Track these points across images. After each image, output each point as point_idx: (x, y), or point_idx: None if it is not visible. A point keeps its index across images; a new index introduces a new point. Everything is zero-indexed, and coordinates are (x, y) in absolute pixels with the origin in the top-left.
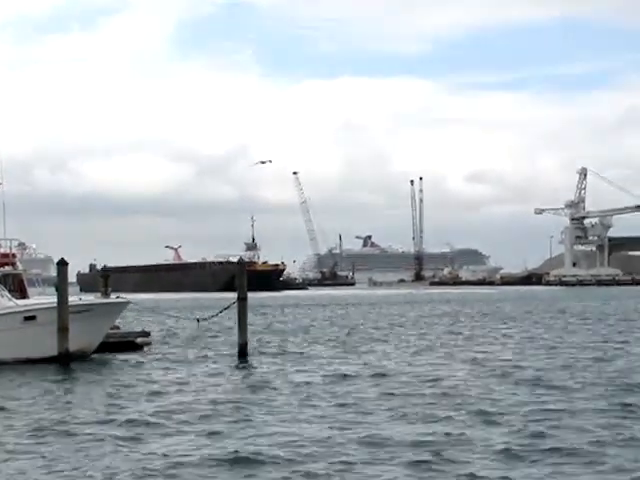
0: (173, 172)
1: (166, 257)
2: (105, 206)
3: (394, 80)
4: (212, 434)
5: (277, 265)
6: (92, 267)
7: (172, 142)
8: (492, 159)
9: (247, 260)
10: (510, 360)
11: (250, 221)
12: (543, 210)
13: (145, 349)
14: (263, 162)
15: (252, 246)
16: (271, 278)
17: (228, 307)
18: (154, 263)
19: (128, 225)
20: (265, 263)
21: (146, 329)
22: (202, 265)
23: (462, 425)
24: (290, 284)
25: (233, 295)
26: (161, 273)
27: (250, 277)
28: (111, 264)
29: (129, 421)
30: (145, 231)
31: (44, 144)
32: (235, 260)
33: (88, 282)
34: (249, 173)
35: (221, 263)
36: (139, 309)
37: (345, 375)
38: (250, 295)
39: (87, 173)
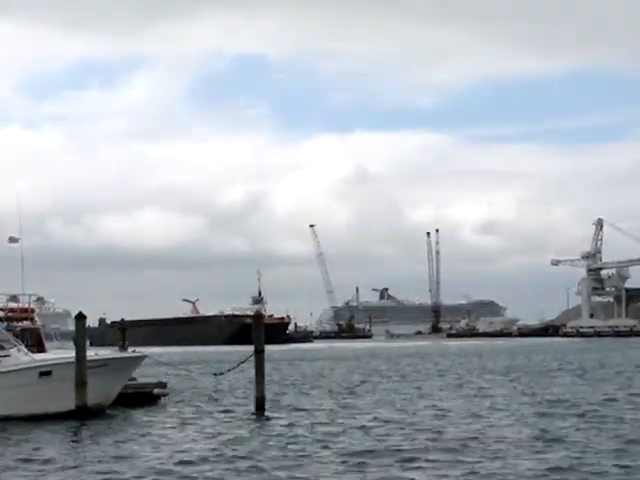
0: (187, 226)
1: (184, 310)
2: (116, 259)
3: (408, 133)
4: None
5: (282, 318)
6: (102, 321)
7: (186, 196)
8: (506, 210)
9: (255, 313)
10: None
11: (257, 274)
12: (559, 261)
13: (162, 400)
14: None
15: (258, 300)
16: (276, 331)
17: (245, 361)
18: (162, 317)
19: (139, 278)
20: (271, 316)
21: (162, 380)
22: (208, 319)
23: None
24: (294, 337)
25: (240, 348)
26: (169, 327)
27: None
28: (118, 318)
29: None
30: (158, 284)
31: (59, 197)
32: (240, 314)
33: (98, 336)
34: (263, 226)
35: (227, 317)
36: (153, 362)
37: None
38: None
39: (100, 226)
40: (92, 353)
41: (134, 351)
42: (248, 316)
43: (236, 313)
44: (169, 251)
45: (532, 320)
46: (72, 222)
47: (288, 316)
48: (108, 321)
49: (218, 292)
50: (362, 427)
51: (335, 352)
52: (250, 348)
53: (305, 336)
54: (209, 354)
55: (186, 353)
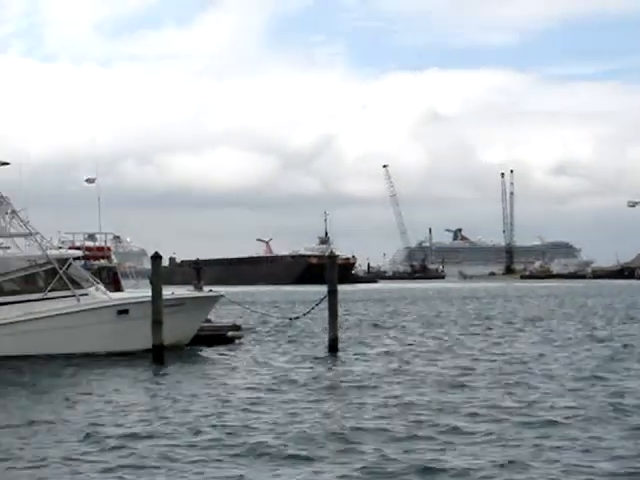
0: (259, 165)
1: (257, 250)
2: (188, 199)
3: (481, 72)
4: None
5: (348, 259)
6: (171, 260)
7: (259, 136)
8: (582, 151)
9: (319, 254)
10: None
11: (324, 215)
12: (636, 203)
13: (237, 342)
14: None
15: (325, 240)
16: (341, 272)
17: (319, 302)
18: (231, 257)
19: (211, 218)
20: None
21: (237, 322)
22: (276, 259)
23: None
24: (361, 278)
25: (307, 288)
26: (238, 267)
27: (321, 270)
28: (188, 257)
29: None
30: (230, 224)
31: (131, 138)
32: (307, 254)
33: (167, 275)
34: (334, 166)
35: (293, 257)
36: (226, 302)
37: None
38: (319, 288)
39: (173, 166)
40: (169, 292)
41: (210, 291)
42: (314, 256)
43: (302, 253)
44: (241, 191)
45: (607, 262)
46: (145, 162)
47: (353, 256)
48: (178, 260)
49: (291, 232)
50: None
51: (406, 293)
52: (315, 288)
53: (372, 277)
54: (279, 294)
55: (257, 293)
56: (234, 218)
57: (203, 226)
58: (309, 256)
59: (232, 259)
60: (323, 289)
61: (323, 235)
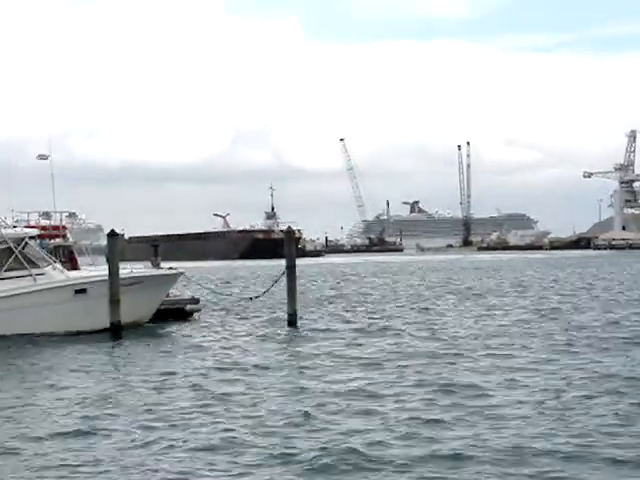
0: (210, 140)
1: (214, 225)
2: (140, 174)
3: (435, 43)
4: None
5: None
6: (121, 237)
7: (211, 110)
8: (536, 123)
9: (266, 228)
10: None
11: (269, 190)
12: (592, 174)
13: (195, 316)
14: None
15: (271, 215)
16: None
17: (277, 280)
18: (178, 232)
19: (162, 193)
20: (282, 232)
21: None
22: (222, 234)
23: None
24: (308, 252)
25: (252, 263)
26: (184, 242)
27: (267, 245)
28: (142, 233)
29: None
30: (183, 199)
31: (82, 114)
32: (253, 229)
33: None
34: (289, 140)
35: (240, 232)
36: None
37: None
38: (266, 263)
39: (122, 142)
40: (127, 270)
41: (170, 268)
42: (260, 231)
43: (247, 228)
44: (192, 165)
45: (563, 233)
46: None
47: (299, 230)
48: (126, 237)
49: (244, 207)
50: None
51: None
52: (260, 263)
53: (318, 252)
54: (228, 268)
55: (205, 268)
56: (187, 193)
57: (155, 202)
58: (256, 231)
59: (180, 235)
60: (270, 263)
61: (270, 210)
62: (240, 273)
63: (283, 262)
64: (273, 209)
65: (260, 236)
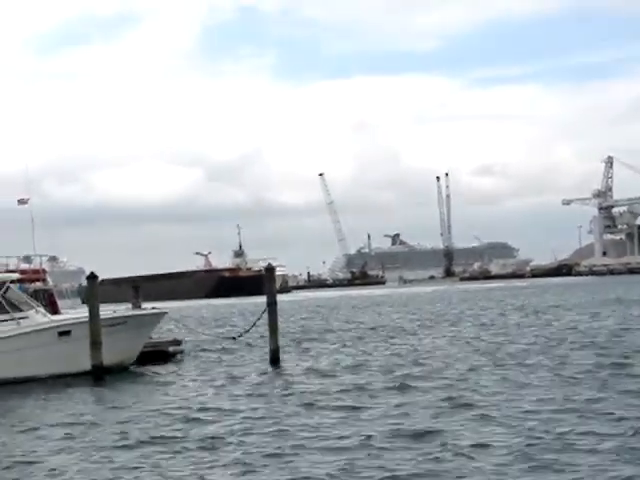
0: (186, 179)
1: (196, 264)
2: (115, 215)
3: (407, 77)
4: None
5: (260, 270)
6: None
7: (185, 149)
8: (510, 152)
9: (234, 267)
10: None
11: (237, 229)
12: (571, 201)
13: (178, 357)
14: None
15: (239, 253)
16: (257, 283)
17: (260, 318)
18: (145, 274)
19: (138, 233)
20: (249, 269)
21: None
22: (188, 273)
23: None
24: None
25: (222, 301)
26: (151, 282)
27: (236, 283)
28: (113, 275)
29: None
30: (164, 238)
31: (56, 156)
32: (219, 268)
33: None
34: (263, 177)
35: (206, 271)
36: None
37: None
38: (236, 301)
39: (98, 183)
40: (110, 311)
41: (153, 308)
42: (227, 269)
43: (214, 267)
44: (168, 205)
45: (545, 260)
46: (68, 181)
47: (275, 267)
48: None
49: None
50: None
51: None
52: (228, 301)
53: (285, 288)
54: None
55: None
56: (167, 232)
57: (133, 241)
58: (222, 270)
59: (147, 276)
60: (236, 302)
61: (237, 248)
62: (205, 313)
63: (250, 300)
64: (241, 247)
65: (226, 274)
